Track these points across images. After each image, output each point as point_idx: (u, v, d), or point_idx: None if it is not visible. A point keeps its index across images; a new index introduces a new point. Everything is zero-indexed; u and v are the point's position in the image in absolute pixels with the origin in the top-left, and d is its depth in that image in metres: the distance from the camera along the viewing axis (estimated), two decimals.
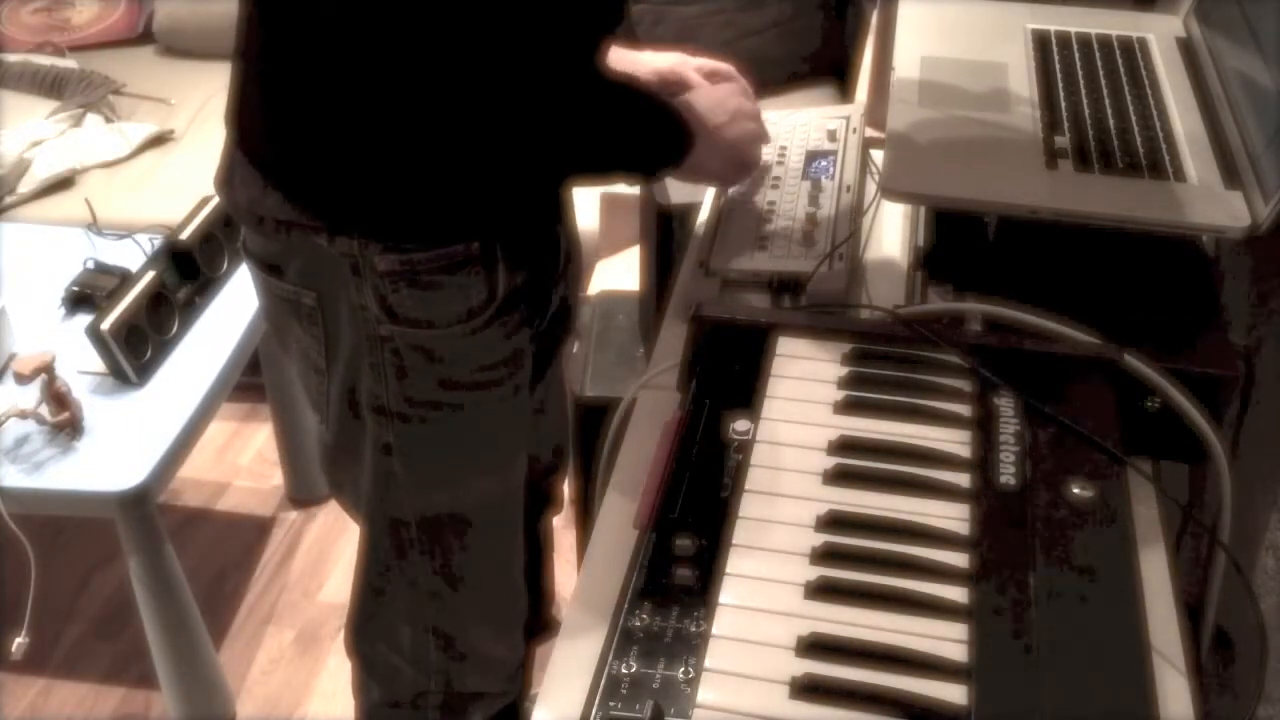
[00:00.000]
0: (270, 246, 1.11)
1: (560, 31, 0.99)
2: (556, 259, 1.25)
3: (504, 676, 1.39)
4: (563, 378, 1.48)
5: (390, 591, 1.30)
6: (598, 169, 1.14)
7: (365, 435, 1.18)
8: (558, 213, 1.23)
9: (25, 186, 2.41)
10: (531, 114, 1.01)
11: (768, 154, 1.30)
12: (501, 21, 0.94)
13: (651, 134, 1.12)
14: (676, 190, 1.36)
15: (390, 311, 1.08)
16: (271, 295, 1.16)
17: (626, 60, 1.30)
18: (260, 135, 1.08)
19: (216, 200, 1.77)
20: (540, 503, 1.54)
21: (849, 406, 0.92)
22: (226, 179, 1.12)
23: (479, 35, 0.94)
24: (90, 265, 1.89)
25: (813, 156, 1.29)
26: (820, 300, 1.10)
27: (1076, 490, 0.84)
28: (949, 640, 0.74)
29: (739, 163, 1.20)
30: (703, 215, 1.29)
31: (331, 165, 1.04)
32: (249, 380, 2.01)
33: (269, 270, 1.13)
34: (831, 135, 1.32)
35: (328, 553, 2.24)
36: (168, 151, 2.56)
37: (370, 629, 1.36)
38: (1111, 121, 1.18)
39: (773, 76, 2.83)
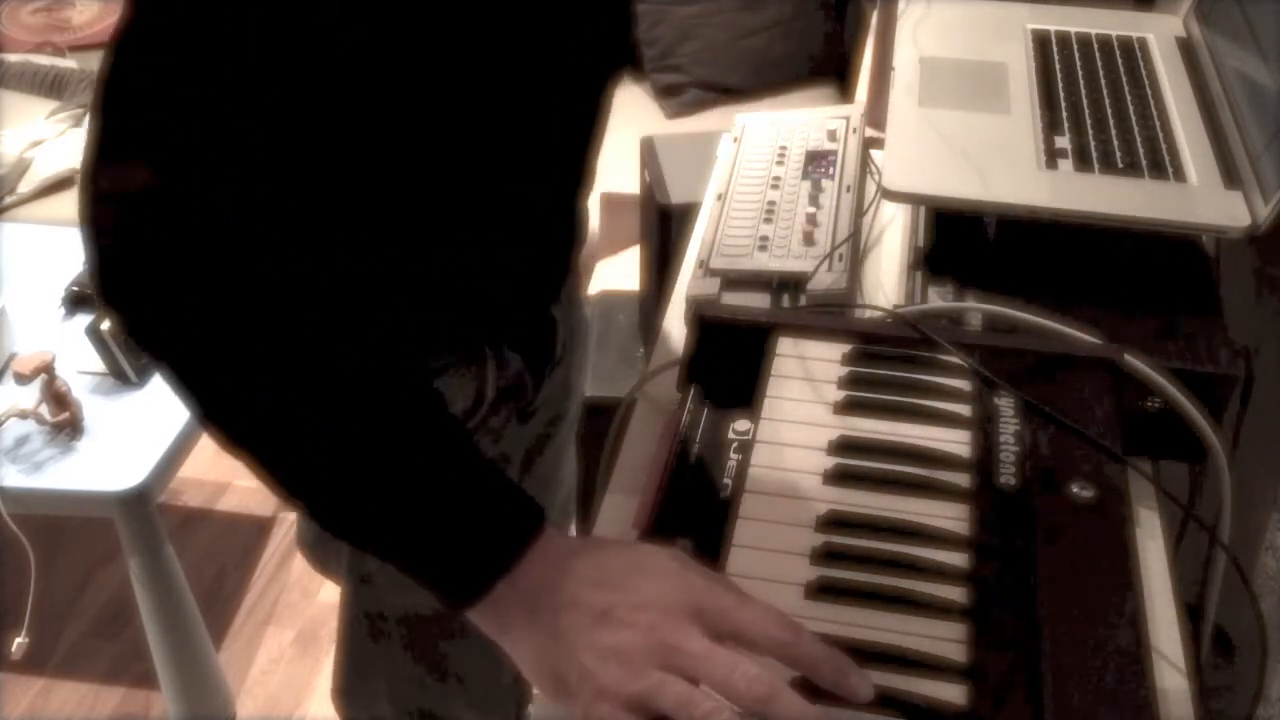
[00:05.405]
0: None
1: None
2: (552, 349, 1.15)
3: None
4: (572, 454, 1.36)
5: (373, 675, 1.24)
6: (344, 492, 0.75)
7: None
8: (549, 302, 1.13)
9: (25, 186, 2.41)
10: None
11: (766, 157, 1.30)
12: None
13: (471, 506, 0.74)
14: (676, 190, 1.36)
15: None
16: None
17: None
18: None
19: None
20: None
21: (849, 406, 0.92)
22: None
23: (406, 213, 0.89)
24: None
25: (813, 156, 1.29)
26: (820, 300, 1.10)
27: (1076, 490, 0.84)
28: (949, 640, 0.74)
29: (557, 676, 0.69)
30: (703, 215, 1.29)
31: None
32: None
33: None
34: (831, 135, 1.32)
35: None
36: None
37: (355, 702, 1.29)
38: (1111, 121, 1.18)
39: (773, 76, 2.84)
